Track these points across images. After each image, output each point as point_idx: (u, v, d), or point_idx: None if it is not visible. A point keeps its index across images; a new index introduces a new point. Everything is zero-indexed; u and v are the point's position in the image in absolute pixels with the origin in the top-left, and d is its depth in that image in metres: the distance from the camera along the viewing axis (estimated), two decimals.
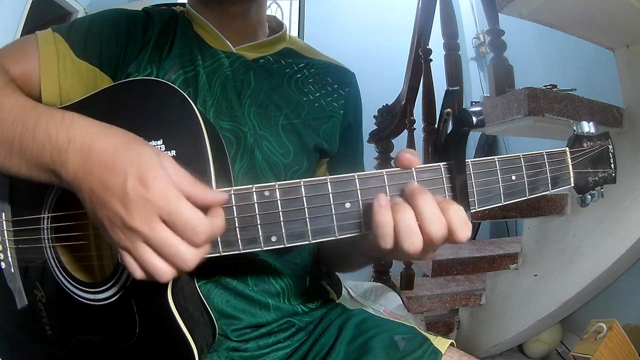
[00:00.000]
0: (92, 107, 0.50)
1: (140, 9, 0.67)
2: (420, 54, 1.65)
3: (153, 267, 0.38)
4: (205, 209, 0.39)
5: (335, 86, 0.72)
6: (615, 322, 1.25)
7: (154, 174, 0.37)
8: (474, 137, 3.00)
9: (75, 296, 0.51)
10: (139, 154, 0.38)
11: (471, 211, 0.43)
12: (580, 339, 1.33)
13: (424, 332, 0.62)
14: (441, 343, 0.60)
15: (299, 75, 0.70)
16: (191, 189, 0.39)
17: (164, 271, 0.38)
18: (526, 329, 1.55)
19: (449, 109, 0.41)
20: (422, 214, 0.38)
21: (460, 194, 0.42)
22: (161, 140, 0.45)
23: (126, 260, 0.39)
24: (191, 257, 0.38)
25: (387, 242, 0.39)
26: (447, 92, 0.41)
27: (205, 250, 0.39)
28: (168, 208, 0.37)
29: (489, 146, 2.95)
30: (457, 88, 0.43)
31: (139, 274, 0.39)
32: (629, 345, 1.24)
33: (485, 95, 2.82)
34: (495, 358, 1.76)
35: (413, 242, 0.38)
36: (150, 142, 0.45)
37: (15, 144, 0.43)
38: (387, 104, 1.93)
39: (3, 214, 0.56)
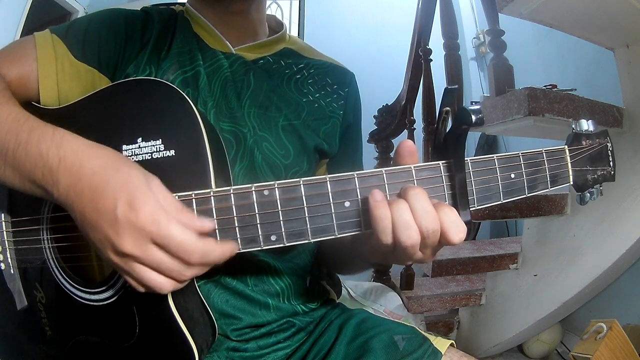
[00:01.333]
0: (90, 107, 0.50)
1: (139, 9, 0.67)
2: (420, 54, 1.65)
3: (152, 282, 0.39)
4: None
5: (335, 87, 0.72)
6: (615, 322, 1.25)
7: (142, 197, 0.37)
8: (474, 137, 3.00)
9: (75, 297, 0.51)
10: (129, 177, 0.38)
11: (471, 210, 0.43)
12: (580, 339, 1.33)
13: (424, 333, 0.62)
14: (441, 343, 0.60)
15: (299, 76, 0.70)
16: (179, 215, 0.38)
17: (164, 285, 0.39)
18: (526, 329, 1.55)
19: (447, 108, 0.41)
20: (412, 208, 0.39)
21: (459, 192, 0.42)
22: (160, 140, 0.45)
23: (125, 278, 0.40)
24: (188, 272, 0.39)
25: (388, 237, 0.40)
26: (445, 90, 0.41)
27: (201, 267, 0.40)
28: (159, 232, 0.37)
29: (489, 146, 2.95)
30: (456, 87, 0.43)
31: (140, 289, 0.40)
32: (629, 345, 1.24)
33: (485, 95, 2.82)
34: (495, 358, 1.76)
35: (410, 235, 0.39)
36: (149, 142, 0.45)
37: (9, 156, 0.43)
38: (387, 104, 1.93)
39: (2, 215, 0.56)
